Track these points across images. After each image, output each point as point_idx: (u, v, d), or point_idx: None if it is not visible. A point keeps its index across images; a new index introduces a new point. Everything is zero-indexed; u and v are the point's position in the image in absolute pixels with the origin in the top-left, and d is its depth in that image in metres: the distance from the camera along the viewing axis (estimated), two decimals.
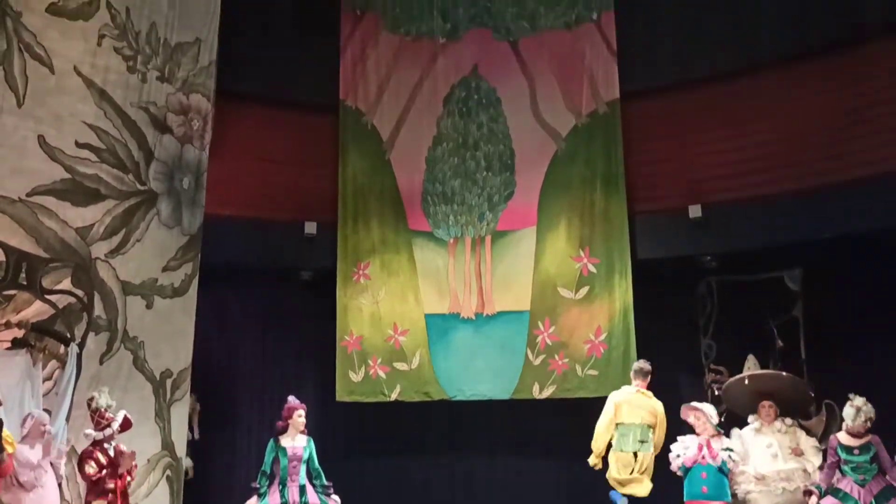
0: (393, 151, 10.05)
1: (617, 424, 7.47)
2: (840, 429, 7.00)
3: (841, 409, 6.64)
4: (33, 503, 5.68)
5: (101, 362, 7.50)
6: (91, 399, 6.45)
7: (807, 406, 7.88)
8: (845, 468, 6.20)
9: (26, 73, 7.24)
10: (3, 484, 5.62)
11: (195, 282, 8.46)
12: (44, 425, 5.99)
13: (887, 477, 6.12)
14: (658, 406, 7.53)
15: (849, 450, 6.21)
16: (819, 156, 8.44)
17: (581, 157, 9.67)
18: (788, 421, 7.28)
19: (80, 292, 7.41)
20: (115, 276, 7.76)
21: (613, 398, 7.66)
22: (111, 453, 6.30)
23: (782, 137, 8.74)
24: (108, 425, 6.30)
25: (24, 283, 7.01)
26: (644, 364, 7.72)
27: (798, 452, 6.92)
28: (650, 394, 7.64)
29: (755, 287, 9.05)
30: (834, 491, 6.28)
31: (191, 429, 8.69)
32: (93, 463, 6.19)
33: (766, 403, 7.20)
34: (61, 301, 7.27)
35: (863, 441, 6.19)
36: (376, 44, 10.18)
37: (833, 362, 8.33)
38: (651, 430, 7.41)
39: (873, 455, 6.13)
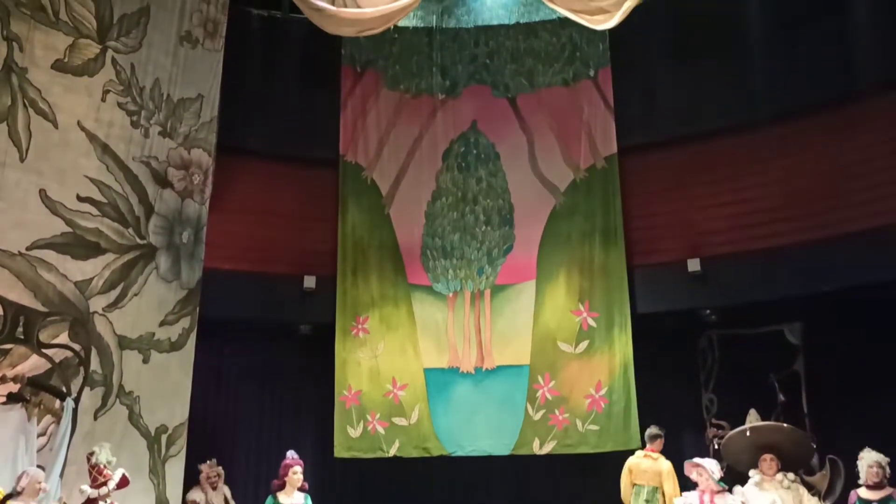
0: (392, 206, 10.10)
1: (634, 484, 7.95)
2: (846, 485, 6.94)
3: (844, 464, 6.54)
4: None
5: (95, 418, 7.42)
6: (91, 454, 6.33)
7: (809, 458, 7.76)
8: None
9: (30, 129, 7.33)
10: None
11: (193, 336, 8.42)
12: (39, 483, 5.87)
13: None
14: (663, 466, 7.85)
15: (867, 503, 6.10)
16: (818, 209, 8.48)
17: (580, 211, 9.73)
18: (791, 476, 7.16)
19: (77, 346, 7.36)
20: (111, 331, 7.72)
21: (628, 462, 8.06)
22: None
23: (781, 191, 8.79)
24: (105, 483, 6.18)
25: (22, 336, 6.97)
26: (651, 429, 8.07)
27: None
28: (657, 456, 7.92)
29: (756, 341, 9.01)
30: None
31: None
32: None
33: (767, 456, 7.09)
34: (58, 355, 7.22)
35: (882, 494, 6.08)
36: (376, 100, 10.32)
37: (835, 416, 8.25)
38: (657, 490, 7.78)
39: None
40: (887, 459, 6.15)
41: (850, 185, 8.34)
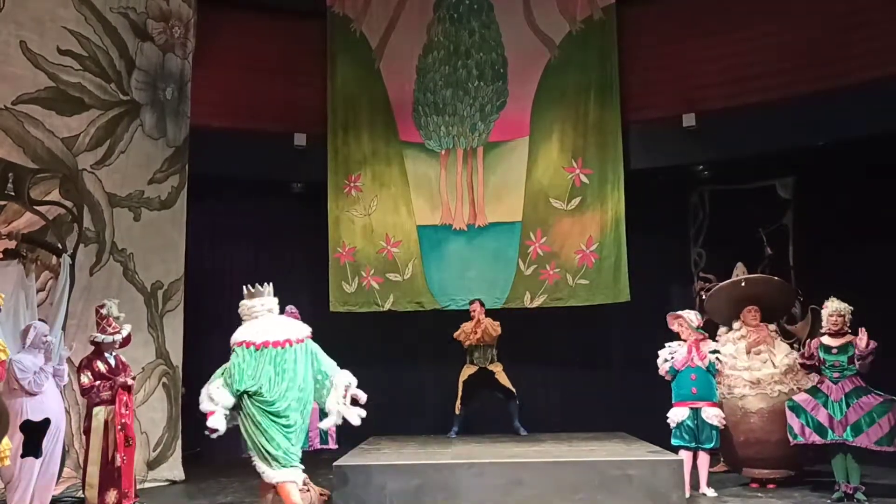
0: (382, 60, 9.83)
1: None
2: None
3: None
4: (34, 408, 5.71)
5: (91, 273, 7.48)
6: (102, 306, 6.40)
7: (790, 305, 7.94)
8: (823, 367, 6.33)
9: None
10: (5, 389, 5.64)
11: (183, 194, 8.38)
12: (45, 336, 5.96)
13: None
14: None
15: (828, 349, 6.33)
16: (813, 62, 8.36)
17: (575, 65, 9.51)
18: (772, 326, 7.37)
19: (69, 203, 7.32)
20: (101, 188, 7.67)
21: None
22: (111, 362, 6.33)
23: (777, 43, 8.62)
24: (115, 333, 6.28)
25: (12, 193, 6.89)
26: None
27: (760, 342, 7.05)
28: None
29: (747, 196, 9.08)
30: (810, 388, 6.45)
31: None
32: (88, 373, 6.20)
33: (750, 308, 7.27)
34: (51, 212, 7.18)
35: (842, 341, 6.29)
36: None
37: (820, 268, 8.42)
38: None
39: (852, 355, 6.21)
40: (849, 308, 6.29)
41: (846, 38, 8.19)
